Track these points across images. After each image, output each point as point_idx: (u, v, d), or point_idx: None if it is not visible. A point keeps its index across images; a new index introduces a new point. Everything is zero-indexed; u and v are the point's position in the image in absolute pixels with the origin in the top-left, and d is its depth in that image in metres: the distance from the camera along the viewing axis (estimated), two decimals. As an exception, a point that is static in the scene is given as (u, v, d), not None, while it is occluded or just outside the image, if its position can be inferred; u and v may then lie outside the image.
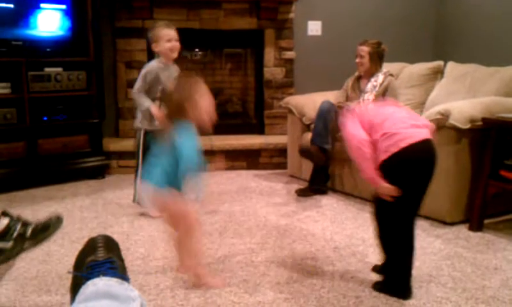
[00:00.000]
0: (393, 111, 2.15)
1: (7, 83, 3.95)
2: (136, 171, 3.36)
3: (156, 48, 3.25)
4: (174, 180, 2.12)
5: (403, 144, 2.01)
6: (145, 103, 3.19)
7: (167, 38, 3.20)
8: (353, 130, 2.14)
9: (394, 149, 2.02)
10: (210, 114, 2.23)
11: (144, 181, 2.20)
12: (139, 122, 3.29)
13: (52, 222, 2.74)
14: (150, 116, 3.20)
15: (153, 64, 3.27)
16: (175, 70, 3.31)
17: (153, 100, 3.22)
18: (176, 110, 2.15)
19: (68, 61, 4.21)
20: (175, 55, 3.27)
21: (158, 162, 2.16)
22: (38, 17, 4.06)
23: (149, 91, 3.23)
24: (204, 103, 2.19)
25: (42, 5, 4.07)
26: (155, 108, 3.15)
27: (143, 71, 3.27)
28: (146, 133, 3.25)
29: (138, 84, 3.25)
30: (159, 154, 2.17)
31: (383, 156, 2.04)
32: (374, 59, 3.86)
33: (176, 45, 3.24)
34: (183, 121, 2.13)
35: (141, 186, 3.18)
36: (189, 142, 2.09)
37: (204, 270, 2.30)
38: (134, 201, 3.44)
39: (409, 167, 2.04)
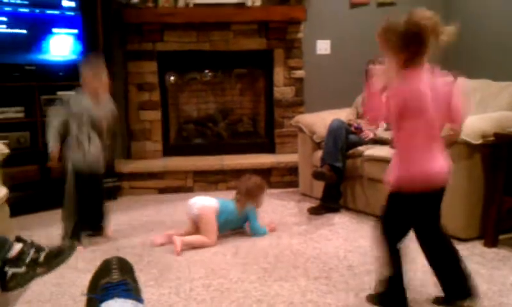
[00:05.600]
0: None
1: (21, 107, 4.01)
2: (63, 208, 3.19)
3: (84, 87, 3.15)
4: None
5: None
6: (50, 143, 3.09)
7: (93, 85, 3.12)
8: None
9: None
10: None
11: None
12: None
13: (65, 248, 2.75)
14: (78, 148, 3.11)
15: (80, 96, 3.17)
16: (108, 103, 3.23)
17: (78, 131, 3.10)
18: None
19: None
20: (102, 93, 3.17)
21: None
22: (50, 42, 4.12)
23: (73, 122, 3.11)
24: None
25: (54, 30, 4.14)
26: (54, 147, 3.08)
27: (66, 101, 3.21)
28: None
29: (54, 115, 3.14)
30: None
31: None
32: None
33: (101, 90, 3.14)
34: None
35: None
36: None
37: None
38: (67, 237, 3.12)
39: None
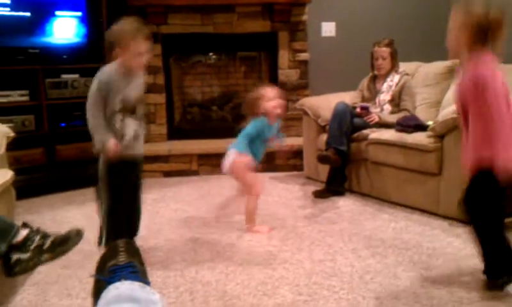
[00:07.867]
0: None
1: (25, 91, 4.01)
2: (100, 206, 2.65)
3: (120, 56, 2.49)
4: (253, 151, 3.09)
5: None
6: (101, 136, 2.50)
7: (138, 51, 2.47)
8: None
9: None
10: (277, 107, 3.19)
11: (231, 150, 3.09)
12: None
13: (71, 235, 2.76)
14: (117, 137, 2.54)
15: (110, 72, 2.51)
16: (140, 76, 2.63)
17: (112, 114, 2.52)
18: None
19: (84, 68, 4.24)
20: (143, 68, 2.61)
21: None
22: (54, 25, 4.11)
23: (106, 104, 2.51)
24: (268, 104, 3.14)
25: (58, 13, 4.12)
26: (112, 143, 2.49)
27: (96, 81, 2.51)
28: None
29: (92, 100, 2.51)
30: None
31: None
32: (394, 58, 3.90)
33: (148, 58, 2.54)
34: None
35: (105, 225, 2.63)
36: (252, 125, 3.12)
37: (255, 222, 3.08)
38: (100, 244, 2.68)
39: None
